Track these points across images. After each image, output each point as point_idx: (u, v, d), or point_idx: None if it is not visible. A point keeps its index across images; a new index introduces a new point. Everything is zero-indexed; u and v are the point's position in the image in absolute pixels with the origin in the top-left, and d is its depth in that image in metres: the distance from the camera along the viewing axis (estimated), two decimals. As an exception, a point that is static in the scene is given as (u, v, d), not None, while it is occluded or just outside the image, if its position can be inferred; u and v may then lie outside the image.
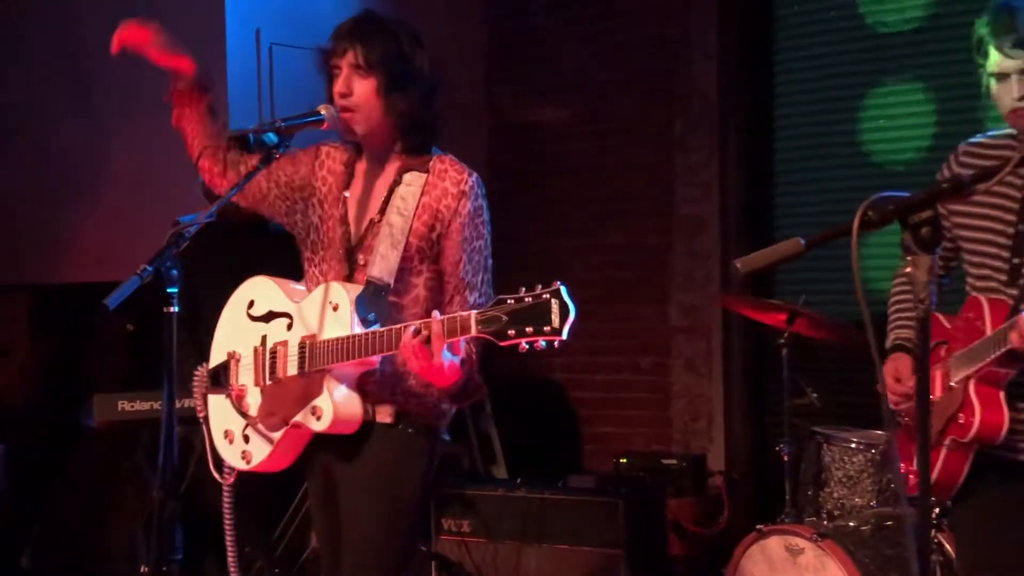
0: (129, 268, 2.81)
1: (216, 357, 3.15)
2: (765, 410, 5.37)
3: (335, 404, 2.84)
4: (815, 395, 4.43)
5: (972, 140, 3.07)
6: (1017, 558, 2.94)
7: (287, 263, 3.79)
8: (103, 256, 5.41)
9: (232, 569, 3.30)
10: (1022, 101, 2.80)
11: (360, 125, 2.95)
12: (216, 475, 3.13)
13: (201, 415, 3.14)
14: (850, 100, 5.27)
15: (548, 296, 2.52)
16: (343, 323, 2.86)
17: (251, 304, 3.10)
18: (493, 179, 6.06)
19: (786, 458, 4.34)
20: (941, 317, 3.08)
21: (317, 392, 2.87)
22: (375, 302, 2.86)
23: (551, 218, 5.94)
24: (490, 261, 2.97)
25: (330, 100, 3.01)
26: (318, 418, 2.86)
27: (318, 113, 3.00)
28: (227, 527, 3.23)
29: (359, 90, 2.93)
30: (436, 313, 2.69)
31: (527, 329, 2.51)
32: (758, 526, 4.20)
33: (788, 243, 1.96)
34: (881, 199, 1.92)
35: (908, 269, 1.93)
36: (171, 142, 4.94)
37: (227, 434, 3.08)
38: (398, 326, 2.75)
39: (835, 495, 4.25)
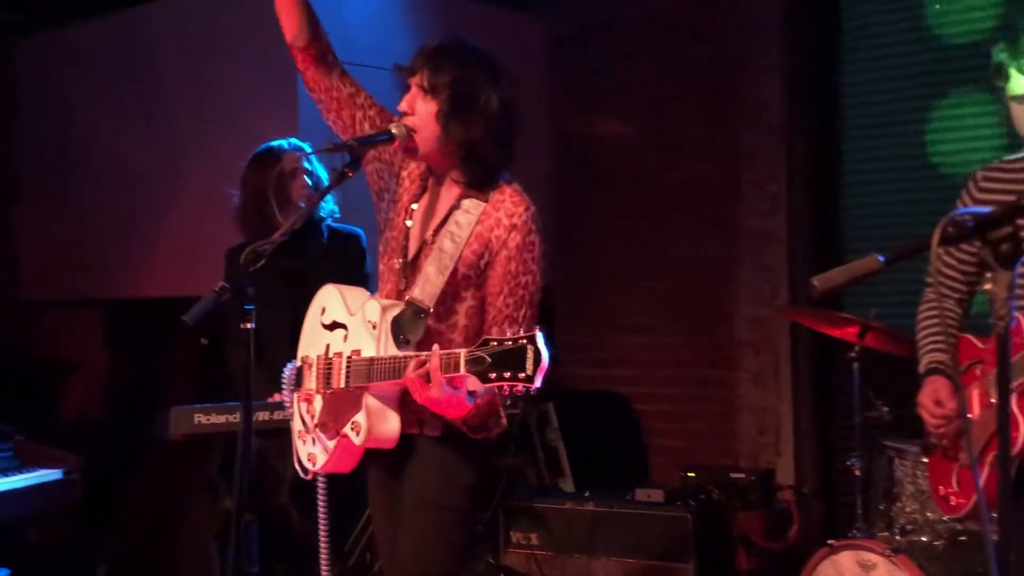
0: (201, 284, 2.86)
1: (298, 360, 3.20)
2: (833, 424, 5.32)
3: (370, 422, 2.87)
4: (886, 408, 4.38)
5: (989, 166, 3.07)
6: None
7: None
8: (175, 273, 5.47)
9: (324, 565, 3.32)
10: None
11: (419, 144, 2.97)
12: (300, 471, 3.17)
13: (289, 412, 3.21)
14: (919, 111, 5.22)
15: (524, 342, 2.52)
16: (375, 345, 2.89)
17: (323, 311, 3.14)
18: (557, 194, 6.10)
19: (857, 472, 4.30)
20: (972, 338, 3.07)
21: (358, 408, 2.90)
22: (413, 324, 2.87)
23: (616, 232, 5.94)
24: (537, 297, 2.93)
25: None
26: (356, 433, 2.90)
27: (389, 132, 3.02)
28: (321, 520, 3.28)
29: (420, 111, 2.95)
30: (436, 347, 2.70)
31: (505, 374, 2.53)
32: (829, 541, 4.16)
33: (866, 260, 1.95)
34: (960, 215, 1.91)
35: (987, 286, 1.91)
36: (244, 159, 5.05)
37: (300, 434, 3.14)
38: (403, 355, 2.78)
39: (907, 509, 4.21)
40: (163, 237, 5.58)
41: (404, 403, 2.91)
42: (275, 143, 4.31)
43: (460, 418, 2.81)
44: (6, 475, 4.32)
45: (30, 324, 6.13)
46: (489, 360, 2.54)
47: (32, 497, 4.40)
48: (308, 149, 4.27)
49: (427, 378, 2.68)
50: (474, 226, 2.92)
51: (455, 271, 2.90)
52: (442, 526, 2.96)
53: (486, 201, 2.94)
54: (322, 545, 3.32)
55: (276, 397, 4.01)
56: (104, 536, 5.61)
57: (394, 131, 3.03)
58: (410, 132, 2.96)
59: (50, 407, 5.81)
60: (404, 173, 3.12)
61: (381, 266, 3.10)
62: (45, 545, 5.05)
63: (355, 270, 4.10)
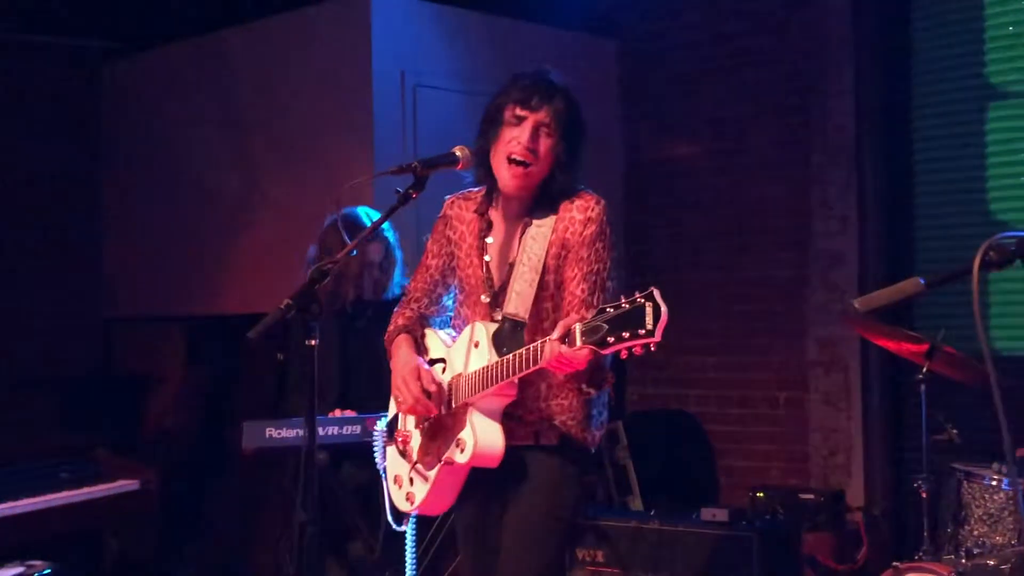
0: (277, 301, 2.93)
1: (391, 409, 3.26)
2: (905, 445, 5.27)
3: (476, 436, 2.92)
4: (955, 431, 4.33)
5: None
6: None
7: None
8: (253, 290, 5.56)
9: None
10: None
11: (531, 179, 3.02)
12: (393, 524, 3.27)
13: (380, 467, 3.29)
14: (991, 133, 5.17)
15: (642, 300, 2.54)
16: (483, 356, 2.95)
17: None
18: (629, 214, 6.12)
19: (924, 494, 4.24)
20: None
21: (462, 426, 2.96)
22: (512, 336, 2.95)
23: (686, 252, 5.95)
24: (610, 282, 2.99)
25: (486, 143, 3.06)
26: (461, 451, 2.94)
27: (453, 155, 3.08)
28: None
29: (543, 148, 3.00)
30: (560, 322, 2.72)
31: (624, 334, 2.54)
32: (894, 563, 4.12)
33: (908, 283, 1.96)
34: (1003, 238, 1.91)
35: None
36: (321, 180, 5.15)
37: (396, 479, 3.20)
38: (531, 345, 2.80)
39: (975, 533, 4.14)
40: (241, 256, 5.69)
41: (515, 416, 2.97)
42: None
43: (582, 369, 2.77)
44: (85, 485, 4.44)
45: (113, 340, 6.25)
46: (606, 327, 2.56)
47: (110, 507, 4.51)
48: (391, 238, 4.35)
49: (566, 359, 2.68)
50: (550, 235, 3.00)
51: (543, 281, 2.98)
52: (554, 537, 3.02)
53: (556, 212, 3.02)
54: None
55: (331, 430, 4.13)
56: (183, 546, 5.72)
57: (458, 154, 3.10)
58: (524, 167, 3.00)
59: (132, 421, 5.91)
60: (456, 228, 3.19)
61: (465, 311, 3.15)
62: (125, 554, 5.17)
63: None
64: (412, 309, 3.24)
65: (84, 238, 6.17)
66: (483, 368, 2.92)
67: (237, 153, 5.73)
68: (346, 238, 3.66)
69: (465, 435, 2.94)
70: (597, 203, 3.02)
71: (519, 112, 3.00)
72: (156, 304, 6.11)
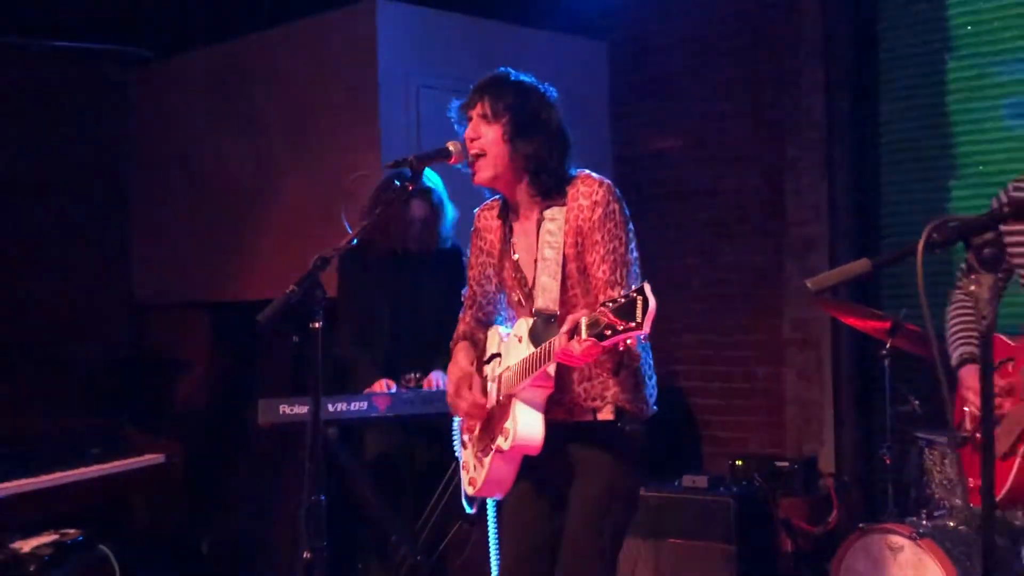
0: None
1: None
2: (872, 416, 5.26)
3: (517, 425, 2.88)
4: (917, 402, 4.34)
5: (1018, 178, 3.01)
6: None
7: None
8: (273, 276, 5.51)
9: None
10: None
11: (487, 170, 3.00)
12: (468, 507, 3.26)
13: (458, 454, 3.30)
14: (952, 124, 5.16)
15: (635, 295, 2.52)
16: (523, 351, 2.93)
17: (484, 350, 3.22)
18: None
19: (888, 461, 4.28)
20: (1003, 337, 3.02)
21: (507, 416, 2.93)
22: (546, 330, 2.89)
23: (672, 239, 5.94)
24: (630, 256, 2.94)
25: (464, 147, 3.09)
26: (505, 438, 2.92)
27: (447, 149, 3.10)
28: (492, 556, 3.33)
29: (487, 135, 2.99)
30: (570, 317, 2.70)
31: (619, 327, 2.52)
32: (860, 525, 4.15)
33: (857, 263, 1.96)
34: (945, 221, 1.90)
35: (972, 288, 1.90)
36: (332, 175, 5.15)
37: (464, 465, 3.20)
38: (548, 340, 2.78)
39: (935, 496, 4.17)
40: (261, 245, 5.68)
41: (570, 398, 2.94)
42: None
43: (593, 359, 2.76)
44: (114, 460, 4.46)
45: (142, 325, 6.28)
46: (605, 320, 2.54)
47: (138, 479, 4.53)
48: (439, 194, 4.32)
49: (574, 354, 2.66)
50: (564, 226, 2.95)
51: (565, 271, 2.93)
52: (614, 512, 2.96)
53: (564, 204, 2.97)
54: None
55: (379, 385, 4.14)
56: (207, 515, 5.74)
57: (451, 148, 3.12)
58: (477, 157, 3.00)
59: (160, 399, 5.95)
60: (485, 237, 3.18)
61: (510, 310, 3.17)
62: (152, 523, 5.19)
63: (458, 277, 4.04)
64: (470, 315, 3.25)
65: (115, 231, 6.20)
66: (521, 361, 2.90)
67: (255, 151, 5.72)
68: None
69: (509, 424, 2.91)
70: (600, 185, 2.95)
71: (468, 114, 3.02)
72: (182, 291, 6.11)
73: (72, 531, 4.01)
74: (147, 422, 4.97)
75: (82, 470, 4.30)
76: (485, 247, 3.17)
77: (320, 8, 5.48)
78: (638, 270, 2.96)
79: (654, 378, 3.06)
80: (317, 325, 2.91)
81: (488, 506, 3.26)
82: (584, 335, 2.58)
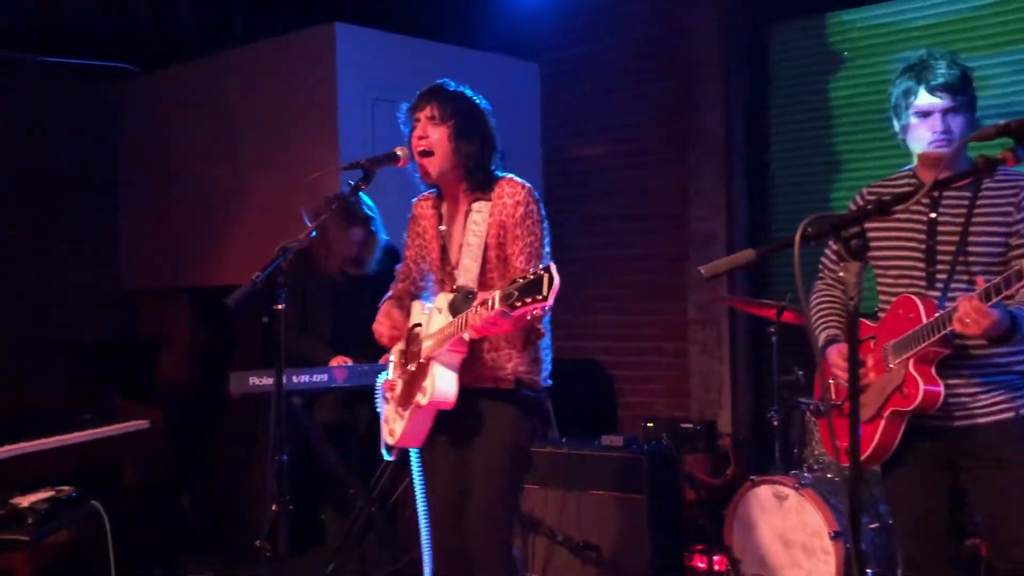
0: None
1: (391, 367, 3.31)
2: (763, 384, 5.33)
3: (434, 384, 2.94)
4: (800, 372, 4.40)
5: (873, 183, 3.07)
6: (939, 503, 2.92)
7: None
8: (245, 264, 5.46)
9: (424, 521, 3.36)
10: (943, 135, 2.79)
11: (434, 167, 3.03)
12: (386, 454, 3.28)
13: (380, 410, 3.31)
14: (833, 135, 5.22)
15: (542, 272, 2.58)
16: (442, 320, 2.99)
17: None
18: (547, 202, 6.01)
19: (776, 423, 4.32)
20: (864, 319, 3.06)
21: (425, 376, 2.97)
22: (464, 303, 2.94)
23: (594, 232, 5.95)
24: (544, 250, 3.01)
25: (410, 146, 3.09)
26: (423, 395, 2.96)
27: (395, 154, 3.09)
28: (419, 496, 3.33)
29: (434, 136, 3.00)
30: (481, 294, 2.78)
31: (527, 299, 2.58)
32: (752, 477, 4.19)
33: (743, 253, 1.97)
34: (818, 217, 1.92)
35: (841, 274, 1.93)
36: (296, 177, 5.10)
37: (386, 420, 3.22)
38: (466, 311, 2.82)
39: (815, 452, 4.23)
40: (234, 237, 5.63)
41: (480, 364, 2.98)
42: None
43: (507, 332, 2.83)
44: (104, 426, 4.39)
45: (129, 308, 6.19)
46: (516, 293, 2.60)
47: (125, 443, 4.46)
48: (375, 222, 4.30)
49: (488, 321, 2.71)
50: (488, 218, 3.00)
51: (486, 256, 2.99)
52: (513, 463, 3.05)
53: (490, 199, 3.02)
54: (420, 514, 3.34)
55: (335, 361, 4.11)
56: (188, 473, 5.67)
57: (399, 152, 3.10)
58: (424, 155, 3.01)
59: (145, 374, 5.87)
60: (419, 224, 3.22)
61: (434, 286, 3.19)
62: (139, 481, 5.12)
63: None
64: (402, 286, 3.29)
65: (104, 225, 6.11)
66: (440, 329, 2.95)
67: (230, 154, 5.67)
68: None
69: (427, 383, 2.95)
70: (523, 188, 3.03)
71: (415, 116, 3.03)
72: (165, 278, 6.04)
73: (67, 488, 3.94)
74: (134, 394, 4.90)
75: (75, 435, 4.22)
76: (420, 231, 3.21)
77: (287, 30, 5.45)
78: (549, 261, 2.98)
79: (550, 356, 3.14)
80: (280, 307, 2.88)
81: (412, 455, 3.28)
82: (497, 305, 2.63)
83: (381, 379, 3.33)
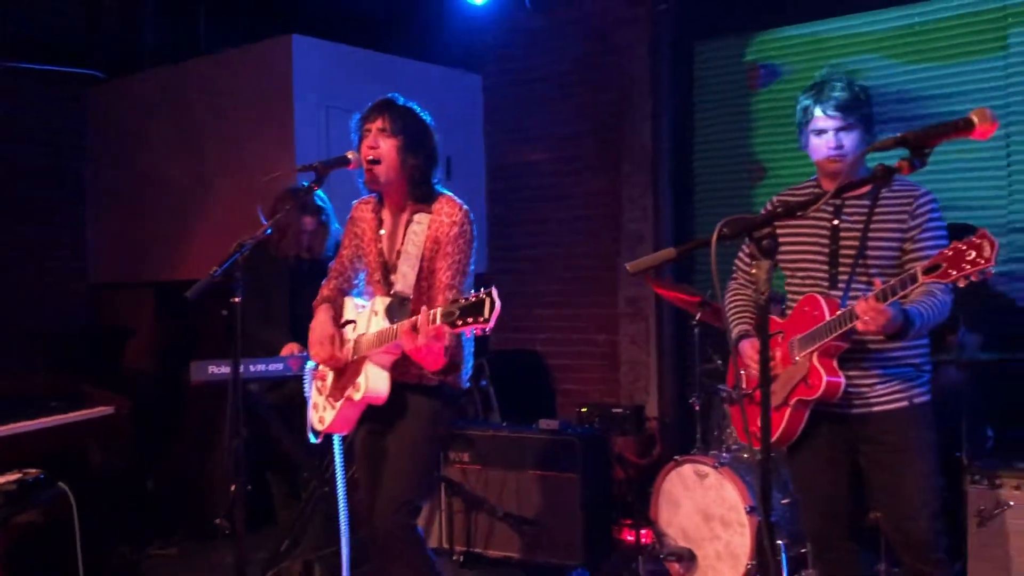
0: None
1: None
2: (686, 372, 5.37)
3: (368, 381, 2.93)
4: (720, 361, 4.44)
5: (782, 191, 3.12)
6: (839, 482, 2.97)
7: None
8: (208, 259, 5.37)
9: (343, 502, 3.33)
10: (836, 150, 2.86)
11: (380, 175, 3.01)
12: (312, 438, 3.23)
13: (308, 396, 3.27)
14: (752, 145, 5.27)
15: (484, 296, 2.57)
16: (379, 323, 2.96)
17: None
18: (493, 205, 6.11)
19: (697, 408, 4.35)
20: (773, 315, 3.10)
21: (359, 373, 2.95)
22: (399, 309, 2.95)
23: (534, 232, 5.96)
24: (469, 268, 3.01)
25: (360, 153, 3.06)
26: (356, 391, 2.95)
27: (346, 157, 3.05)
28: (339, 481, 3.30)
29: (384, 147, 2.98)
30: (424, 308, 2.73)
31: (468, 319, 2.58)
32: (676, 457, 4.21)
33: (665, 251, 1.98)
34: (733, 219, 1.93)
35: (753, 271, 1.94)
36: (254, 179, 5.03)
37: (315, 405, 3.19)
38: (399, 323, 2.81)
39: (732, 435, 4.26)
40: (196, 234, 5.55)
41: (400, 366, 2.96)
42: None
43: (435, 368, 2.82)
44: (71, 412, 4.28)
45: (96, 301, 6.07)
46: (458, 312, 2.58)
47: (90, 427, 4.36)
48: (327, 211, 4.25)
49: (415, 330, 2.71)
50: (427, 231, 2.98)
51: (421, 265, 2.97)
52: (427, 448, 3.04)
53: (431, 212, 3.00)
54: (340, 494, 3.31)
55: (288, 348, 4.05)
56: (153, 457, 5.56)
57: (349, 156, 3.06)
58: (373, 163, 2.98)
59: (112, 363, 5.75)
60: (359, 226, 3.17)
61: (369, 287, 3.16)
62: (105, 464, 5.00)
63: None
64: (334, 283, 3.23)
65: (73, 222, 5.99)
66: (377, 332, 2.92)
67: (193, 156, 5.57)
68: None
69: (361, 380, 2.94)
70: (460, 209, 3.01)
71: (366, 126, 2.99)
72: (131, 272, 5.93)
73: (34, 471, 3.83)
74: (101, 382, 4.78)
75: (43, 420, 4.11)
76: (358, 232, 3.18)
77: (247, 40, 5.39)
78: (471, 281, 3.03)
79: (471, 361, 3.13)
80: (236, 300, 2.83)
81: (335, 440, 3.26)
82: (438, 320, 2.63)
83: (310, 367, 3.29)
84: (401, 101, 3.09)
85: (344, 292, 3.22)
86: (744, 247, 3.19)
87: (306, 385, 3.30)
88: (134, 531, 5.06)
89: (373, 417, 3.06)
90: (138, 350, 5.83)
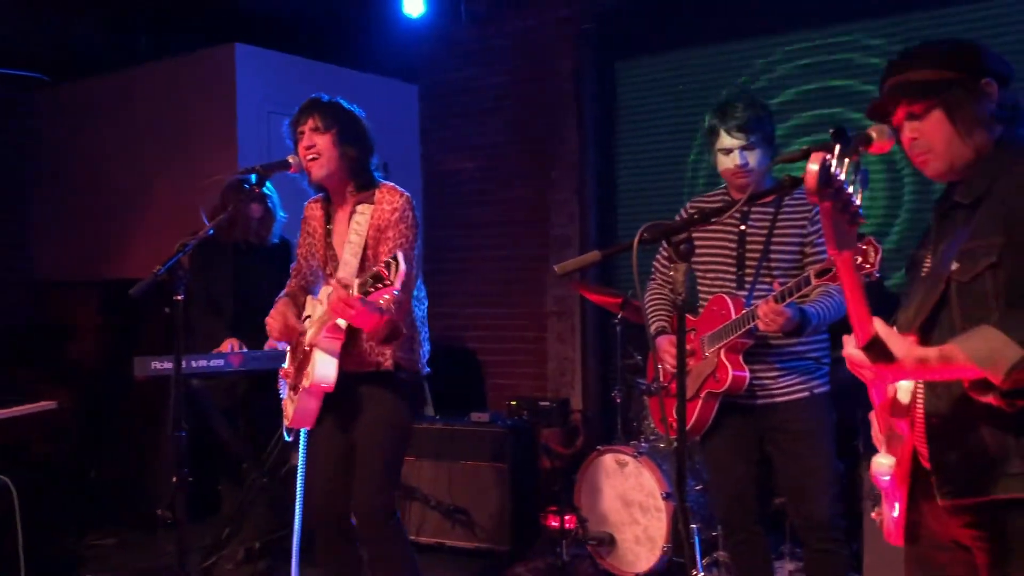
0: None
1: (288, 354, 3.20)
2: (608, 367, 5.40)
3: (315, 368, 2.86)
4: (639, 357, 4.48)
5: (693, 199, 3.17)
6: (748, 469, 3.02)
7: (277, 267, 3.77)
8: (151, 258, 5.26)
9: (298, 503, 3.27)
10: (741, 167, 2.91)
11: (321, 169, 2.95)
12: (287, 436, 3.16)
13: (282, 395, 3.19)
14: (669, 157, 5.34)
15: (390, 260, 2.54)
16: (323, 310, 2.91)
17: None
18: (427, 210, 6.07)
19: (619, 401, 4.38)
20: (688, 313, 3.15)
21: (309, 362, 2.90)
22: None
23: (467, 235, 5.94)
24: (412, 252, 2.94)
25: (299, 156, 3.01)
26: (306, 379, 2.89)
27: (287, 161, 3.00)
28: (300, 472, 3.23)
29: (320, 143, 2.93)
30: (334, 281, 2.70)
31: (378, 285, 2.54)
32: (598, 447, 4.24)
33: (591, 254, 1.98)
34: (653, 224, 1.95)
35: (671, 274, 1.95)
36: (199, 178, 4.93)
37: (284, 402, 3.12)
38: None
39: (650, 426, 4.31)
40: (140, 234, 5.42)
41: (357, 356, 2.90)
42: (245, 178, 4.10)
43: (374, 327, 2.74)
44: (13, 406, 4.13)
45: (41, 298, 5.88)
46: (370, 280, 2.54)
47: (33, 421, 4.21)
48: (272, 199, 4.17)
49: (343, 301, 2.63)
50: (370, 220, 2.93)
51: (365, 253, 2.91)
52: (394, 439, 2.97)
53: (373, 202, 2.96)
54: (298, 486, 3.24)
55: (226, 345, 3.97)
56: (96, 448, 5.40)
57: (290, 160, 3.02)
58: (312, 161, 2.94)
59: (56, 359, 5.57)
60: (310, 225, 3.13)
61: (322, 281, 3.10)
62: (47, 458, 4.85)
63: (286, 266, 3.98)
64: (295, 282, 3.19)
65: (18, 221, 5.80)
66: (319, 318, 2.88)
67: (136, 160, 5.45)
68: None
69: (309, 368, 2.88)
70: (400, 195, 2.97)
71: (299, 129, 2.95)
72: (74, 270, 5.76)
73: (-23, 464, 3.68)
74: (44, 376, 4.63)
75: (-14, 414, 3.95)
76: (310, 231, 3.13)
77: (191, 48, 5.27)
78: (416, 264, 2.98)
79: (427, 346, 3.09)
80: (179, 298, 2.76)
81: (301, 436, 3.20)
82: (355, 291, 2.59)
83: (284, 365, 3.23)
84: (326, 98, 3.04)
85: (306, 290, 3.17)
86: (662, 250, 3.23)
87: (280, 387, 3.24)
88: (75, 522, 4.91)
89: (336, 410, 2.99)
90: (82, 346, 5.66)
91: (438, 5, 5.78)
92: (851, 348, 1.67)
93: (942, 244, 1.80)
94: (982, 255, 1.70)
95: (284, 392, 3.17)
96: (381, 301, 2.59)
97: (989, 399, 1.60)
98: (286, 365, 3.15)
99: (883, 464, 1.72)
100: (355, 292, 2.59)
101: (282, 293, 3.17)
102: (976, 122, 1.79)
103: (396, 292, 2.54)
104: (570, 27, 5.50)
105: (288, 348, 3.16)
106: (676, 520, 3.86)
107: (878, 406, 1.71)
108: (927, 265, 1.83)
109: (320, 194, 3.12)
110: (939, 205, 1.89)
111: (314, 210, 3.13)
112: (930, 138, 1.81)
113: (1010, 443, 1.64)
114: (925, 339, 1.73)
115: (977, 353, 1.56)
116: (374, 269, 2.55)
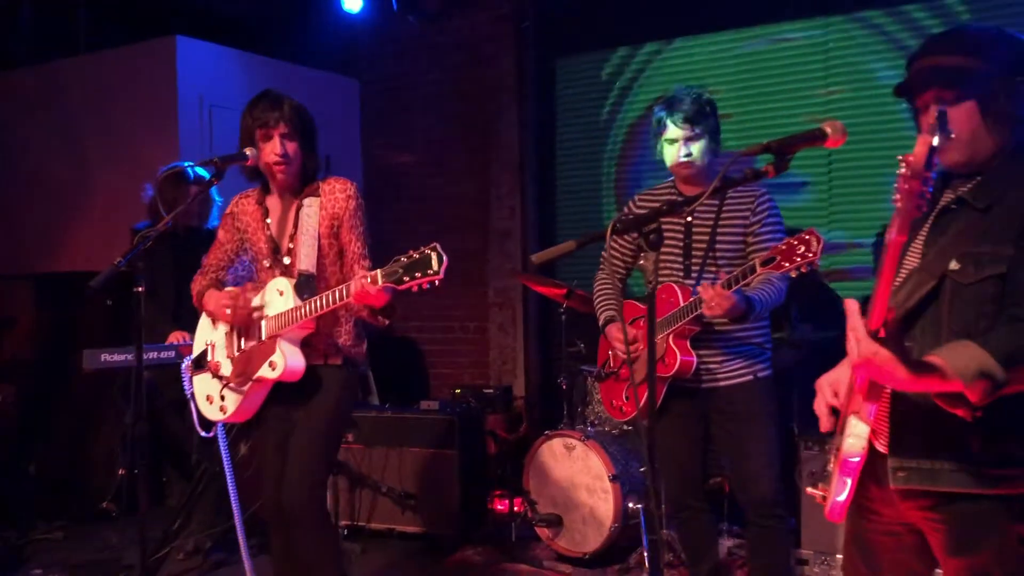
0: (103, 261, 2.68)
1: (197, 348, 3.08)
2: (552, 355, 5.42)
3: (285, 357, 2.80)
4: (583, 345, 4.51)
5: (641, 192, 3.21)
6: (693, 450, 3.08)
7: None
8: (86, 252, 5.15)
9: (232, 493, 3.16)
10: (685, 158, 2.97)
11: (289, 175, 2.92)
12: (201, 432, 3.04)
13: (188, 393, 3.07)
14: (611, 151, 5.37)
15: (429, 251, 2.51)
16: (288, 302, 2.83)
17: None
18: (368, 203, 5.89)
19: (564, 386, 4.41)
20: (634, 301, 3.20)
21: (272, 352, 2.82)
22: (307, 285, 2.85)
23: (408, 230, 5.87)
24: (369, 239, 2.96)
25: (254, 149, 2.92)
26: (273, 369, 2.81)
27: (244, 154, 2.92)
28: (225, 464, 3.13)
29: (291, 150, 2.89)
30: (358, 276, 2.65)
31: (416, 274, 2.50)
32: (545, 432, 4.26)
33: (566, 244, 1.98)
34: (623, 216, 1.96)
35: (641, 263, 1.96)
36: (139, 170, 4.77)
37: (208, 398, 3.00)
38: (339, 287, 2.71)
39: (596, 411, 4.34)
40: (77, 227, 5.22)
41: (311, 343, 2.86)
42: (186, 166, 3.90)
43: (381, 304, 2.69)
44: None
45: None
46: (402, 270, 2.49)
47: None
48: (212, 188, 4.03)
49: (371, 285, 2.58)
50: (319, 211, 2.90)
51: (320, 244, 2.89)
52: (335, 424, 2.93)
53: (318, 195, 2.94)
54: (229, 481, 3.15)
55: (175, 336, 3.84)
56: (35, 442, 5.20)
57: (247, 153, 2.94)
58: (278, 166, 2.88)
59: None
60: (241, 220, 3.03)
61: (259, 273, 3.00)
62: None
63: None
64: (210, 277, 3.07)
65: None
66: (291, 309, 2.80)
67: (73, 152, 5.24)
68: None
69: (276, 358, 2.81)
70: (351, 184, 2.98)
71: (268, 132, 2.88)
72: (10, 265, 5.51)
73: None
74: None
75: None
76: (239, 226, 3.04)
77: (130, 40, 5.09)
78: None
79: (364, 336, 3.06)
80: (140, 289, 2.67)
81: (219, 431, 3.13)
82: (380, 282, 2.55)
83: (185, 364, 3.13)
84: (288, 101, 2.96)
85: (220, 284, 3.08)
86: (612, 243, 3.25)
87: (185, 383, 3.12)
88: (18, 516, 4.71)
89: (278, 399, 2.94)
90: (19, 339, 5.42)
91: (377, 0, 5.70)
92: (859, 323, 1.61)
93: (940, 238, 1.75)
94: (988, 262, 1.65)
95: (196, 387, 3.05)
96: (415, 289, 2.55)
97: (959, 412, 1.59)
98: (210, 357, 3.03)
99: (855, 446, 1.75)
100: (380, 280, 2.55)
101: (204, 285, 3.05)
102: (1006, 118, 1.71)
103: (438, 282, 2.50)
104: (509, 23, 5.49)
105: (213, 344, 3.04)
106: (622, 500, 3.91)
107: (856, 386, 1.75)
108: (915, 254, 1.79)
109: (253, 186, 3.04)
110: (935, 196, 1.79)
111: (246, 205, 3.03)
112: (957, 126, 1.72)
113: (971, 439, 1.64)
114: (906, 328, 1.70)
115: (966, 371, 1.53)
116: (410, 256, 2.50)
